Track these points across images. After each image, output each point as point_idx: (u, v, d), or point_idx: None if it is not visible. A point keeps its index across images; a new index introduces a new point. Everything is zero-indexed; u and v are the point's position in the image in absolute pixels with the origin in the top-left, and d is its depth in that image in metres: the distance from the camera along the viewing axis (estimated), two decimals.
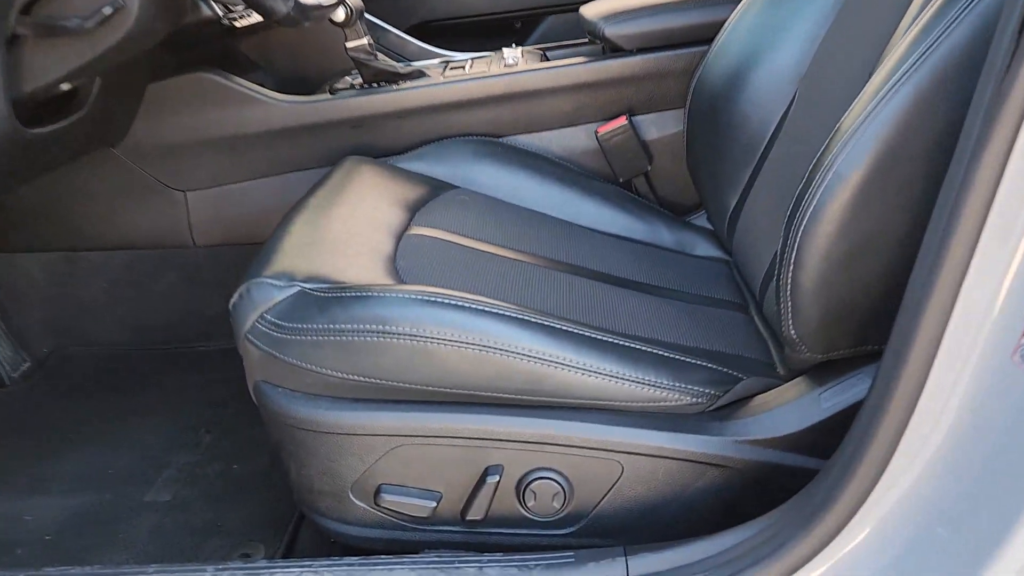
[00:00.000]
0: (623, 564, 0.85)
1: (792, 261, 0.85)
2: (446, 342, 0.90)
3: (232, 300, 1.00)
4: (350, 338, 0.91)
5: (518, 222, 1.31)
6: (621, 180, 1.47)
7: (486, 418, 0.92)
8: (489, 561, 0.87)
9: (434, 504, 0.94)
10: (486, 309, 0.93)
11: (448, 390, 0.92)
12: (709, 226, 1.43)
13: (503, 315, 0.93)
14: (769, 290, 1.08)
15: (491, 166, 1.43)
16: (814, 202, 0.83)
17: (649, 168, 1.46)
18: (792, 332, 0.88)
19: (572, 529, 0.95)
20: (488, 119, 1.47)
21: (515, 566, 0.86)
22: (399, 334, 0.90)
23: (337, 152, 1.48)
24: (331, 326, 0.92)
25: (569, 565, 0.86)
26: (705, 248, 1.40)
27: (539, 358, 0.91)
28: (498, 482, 0.93)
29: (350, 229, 1.14)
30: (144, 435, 1.36)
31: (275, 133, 1.46)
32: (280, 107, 1.46)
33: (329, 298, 0.95)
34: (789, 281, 0.86)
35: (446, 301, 0.93)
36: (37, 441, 1.36)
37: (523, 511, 0.95)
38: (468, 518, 0.94)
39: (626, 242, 1.37)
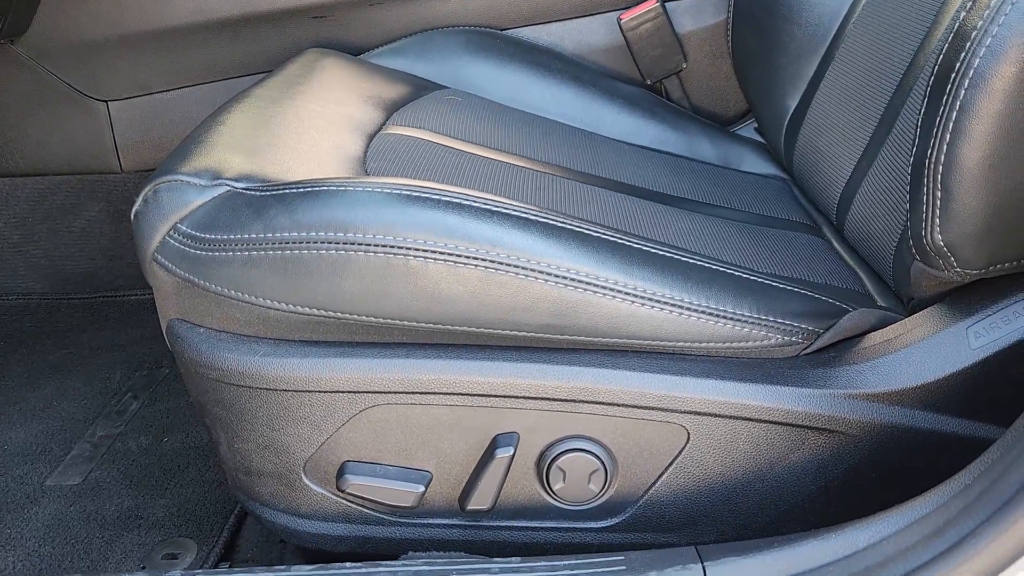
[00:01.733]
0: (699, 572, 0.58)
1: (945, 140, 0.58)
2: (435, 255, 0.62)
3: (134, 208, 0.72)
4: (297, 252, 0.63)
5: (524, 127, 1.03)
6: (650, 82, 1.18)
7: (495, 366, 0.64)
8: (503, 571, 0.60)
9: (421, 488, 0.66)
10: (493, 208, 0.65)
11: (439, 327, 0.64)
12: (759, 138, 1.16)
13: (518, 217, 0.65)
14: (853, 208, 0.81)
15: (488, 63, 1.14)
16: (974, 65, 0.56)
17: (684, 66, 1.18)
18: (939, 239, 0.60)
19: (615, 521, 0.68)
20: (484, 6, 1.17)
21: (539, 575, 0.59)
22: (367, 244, 0.62)
23: (293, 51, 1.19)
24: (270, 235, 0.64)
25: (619, 574, 0.59)
26: (755, 163, 1.12)
27: (570, 279, 0.63)
28: (512, 456, 0.65)
29: (306, 124, 0.85)
30: (54, 403, 1.07)
31: (214, 25, 1.16)
32: None
33: (267, 197, 0.67)
34: (940, 166, 0.59)
35: (435, 197, 0.65)
36: None
37: (547, 496, 0.67)
38: (469, 507, 0.67)
39: (659, 155, 1.09)
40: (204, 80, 1.23)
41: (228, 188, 0.69)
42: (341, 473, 0.67)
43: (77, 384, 1.12)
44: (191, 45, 1.19)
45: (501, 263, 0.63)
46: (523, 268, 0.63)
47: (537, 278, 0.63)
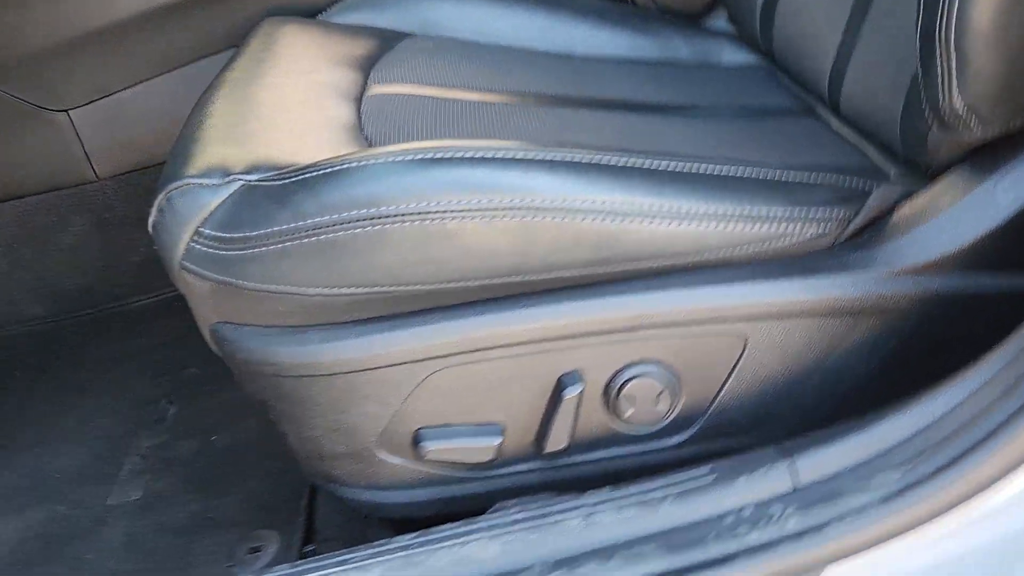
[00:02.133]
0: (786, 471, 0.60)
1: (955, 5, 0.58)
2: (470, 213, 0.62)
3: (151, 220, 0.71)
4: (331, 235, 0.63)
5: (503, 62, 1.01)
6: None
7: (548, 310, 0.65)
8: (598, 503, 0.62)
9: (497, 440, 0.68)
10: (516, 157, 0.65)
11: (486, 282, 0.64)
12: (730, 28, 1.15)
13: (543, 160, 0.65)
14: (846, 84, 0.82)
15: (447, 2, 1.12)
16: None
17: None
18: (958, 103, 0.61)
19: (685, 436, 0.70)
20: None
21: (635, 504, 0.61)
22: (400, 215, 0.62)
23: (246, 24, 1.16)
24: (300, 223, 0.63)
25: (710, 488, 0.61)
26: (732, 55, 1.11)
27: (607, 211, 0.63)
28: (581, 393, 0.67)
29: (289, 100, 0.83)
30: (91, 422, 1.07)
31: (160, 11, 1.12)
32: None
33: (287, 185, 0.66)
34: (952, 31, 0.59)
35: (458, 156, 0.64)
36: None
37: (619, 425, 0.69)
38: (547, 450, 0.69)
39: (638, 65, 1.08)
40: (163, 70, 1.19)
41: (242, 183, 0.68)
42: (416, 441, 0.68)
43: (107, 400, 1.11)
44: (142, 37, 1.15)
45: (537, 208, 0.63)
46: (560, 209, 0.63)
47: (575, 217, 0.63)
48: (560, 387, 0.67)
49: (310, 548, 0.82)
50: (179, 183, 0.69)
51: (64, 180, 1.23)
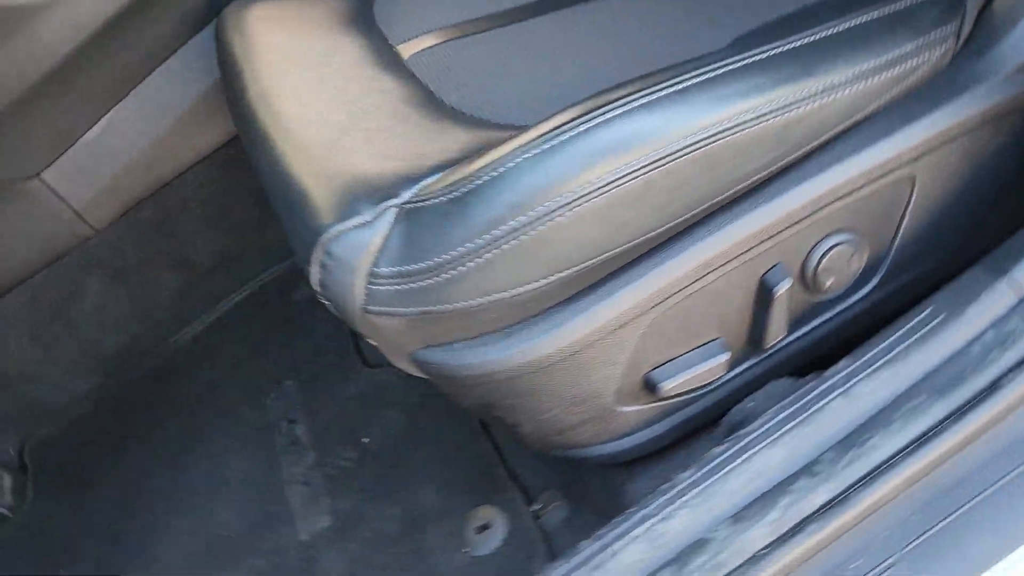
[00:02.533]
0: (1005, 285, 0.65)
1: None
2: (653, 165, 0.61)
3: (314, 277, 0.67)
4: (530, 233, 0.62)
5: None
6: None
7: (741, 221, 0.66)
8: (846, 377, 0.65)
9: (725, 356, 0.70)
10: (665, 91, 0.63)
11: (678, 220, 0.65)
12: None
13: (686, 87, 0.63)
14: None
15: None
16: None
17: None
18: None
19: (874, 283, 0.74)
20: None
21: (883, 366, 0.65)
22: (587, 194, 0.60)
23: (198, 18, 1.06)
24: (497, 232, 0.61)
25: (942, 327, 0.65)
26: None
27: (774, 109, 0.63)
28: (789, 287, 0.69)
29: (341, 97, 0.78)
30: (225, 468, 1.05)
31: (94, 38, 1.00)
32: None
33: (457, 198, 0.63)
34: None
35: (610, 115, 0.62)
36: (106, 551, 1.05)
37: (818, 297, 0.72)
38: (766, 346, 0.72)
39: None
40: (119, 97, 1.08)
41: (394, 209, 0.65)
42: (650, 384, 0.70)
43: (225, 442, 1.09)
44: (85, 72, 1.03)
45: (709, 137, 0.62)
46: (728, 129, 0.62)
47: (743, 128, 0.63)
48: (767, 285, 0.69)
49: (536, 507, 0.85)
50: (328, 234, 0.65)
51: (64, 245, 1.14)
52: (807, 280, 0.70)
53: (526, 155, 0.62)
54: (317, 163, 0.71)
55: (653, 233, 0.64)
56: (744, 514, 0.63)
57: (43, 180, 1.09)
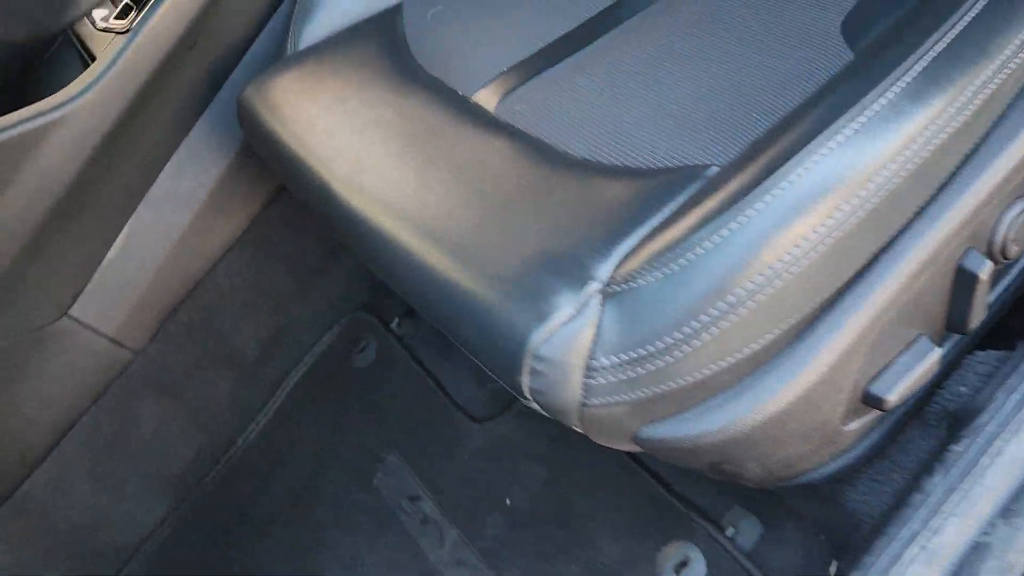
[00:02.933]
0: None
1: None
2: (879, 189, 0.57)
3: (525, 387, 0.61)
4: (762, 294, 0.57)
5: None
6: None
7: (942, 220, 0.62)
8: None
9: (938, 351, 0.68)
10: (871, 114, 0.59)
11: (897, 233, 0.61)
12: None
13: (894, 96, 0.59)
14: None
15: None
16: None
17: None
18: None
19: None
20: None
21: None
22: (823, 234, 0.56)
23: (193, 106, 0.95)
24: (719, 306, 0.56)
25: None
26: None
27: (964, 102, 0.60)
28: (990, 268, 0.67)
29: (442, 165, 0.71)
30: (367, 567, 0.99)
31: (98, 148, 0.89)
32: (78, 112, 0.87)
33: (672, 276, 0.58)
34: None
35: (803, 170, 0.57)
36: None
37: (1004, 264, 0.71)
38: (970, 327, 0.70)
39: None
40: (136, 203, 0.97)
41: (598, 294, 0.60)
42: (875, 400, 0.67)
43: (348, 550, 1.02)
44: (98, 184, 0.92)
45: (922, 145, 0.58)
46: (933, 133, 0.59)
47: (948, 126, 0.59)
48: (967, 272, 0.67)
49: (731, 532, 0.83)
50: (534, 340, 0.59)
51: (106, 376, 1.03)
52: (995, 254, 0.69)
53: (739, 218, 0.57)
54: (478, 260, 0.64)
55: (876, 253, 0.61)
56: (1015, 508, 0.62)
57: (71, 317, 0.98)
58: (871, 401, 0.68)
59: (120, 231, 0.97)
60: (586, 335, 0.59)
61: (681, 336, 0.58)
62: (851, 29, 0.71)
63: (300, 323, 1.14)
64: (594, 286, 0.60)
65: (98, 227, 0.95)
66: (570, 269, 0.61)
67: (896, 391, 0.67)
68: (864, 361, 0.65)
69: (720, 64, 0.72)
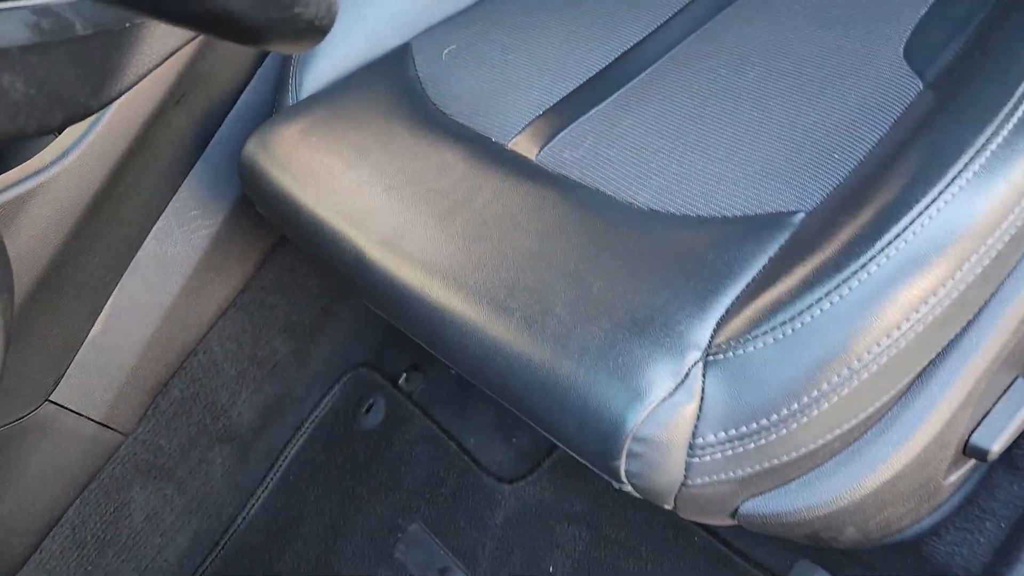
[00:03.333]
0: None
1: None
2: (1007, 228, 0.52)
3: (621, 472, 0.55)
4: (881, 359, 0.52)
5: (588, 16, 0.82)
6: None
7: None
8: None
9: None
10: (971, 172, 0.54)
11: (1013, 265, 0.57)
12: None
13: (990, 155, 0.55)
14: None
15: None
16: None
17: None
18: None
19: None
20: None
21: None
22: (941, 292, 0.52)
23: (180, 168, 0.86)
24: (841, 374, 0.50)
25: None
26: None
27: None
28: None
29: (493, 223, 0.65)
30: None
31: (81, 218, 0.80)
32: (56, 180, 0.78)
33: (783, 342, 0.52)
34: None
35: (933, 205, 0.53)
36: None
37: None
38: None
39: None
40: (120, 275, 0.88)
41: (701, 359, 0.54)
42: (978, 451, 0.63)
43: None
44: (79, 256, 0.83)
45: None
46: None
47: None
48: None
49: None
50: (633, 422, 0.53)
51: (94, 463, 0.93)
52: None
53: (860, 274, 0.52)
54: (555, 331, 0.57)
55: (988, 298, 0.57)
56: None
57: (53, 402, 0.88)
58: (973, 452, 0.64)
59: (104, 305, 0.88)
60: (689, 410, 0.54)
61: (797, 407, 0.52)
62: (915, 56, 0.67)
63: (300, 387, 1.06)
64: (694, 355, 0.54)
65: (80, 303, 0.85)
66: (664, 336, 0.55)
67: (1000, 440, 0.63)
68: (968, 415, 0.61)
69: (781, 98, 0.67)
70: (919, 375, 0.57)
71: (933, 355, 0.55)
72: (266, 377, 1.03)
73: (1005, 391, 0.64)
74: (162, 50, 0.43)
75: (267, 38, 0.32)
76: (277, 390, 1.04)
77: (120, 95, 0.42)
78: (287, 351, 1.03)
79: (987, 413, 0.64)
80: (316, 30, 0.33)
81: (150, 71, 0.43)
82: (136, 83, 0.44)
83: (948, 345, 0.57)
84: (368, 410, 1.06)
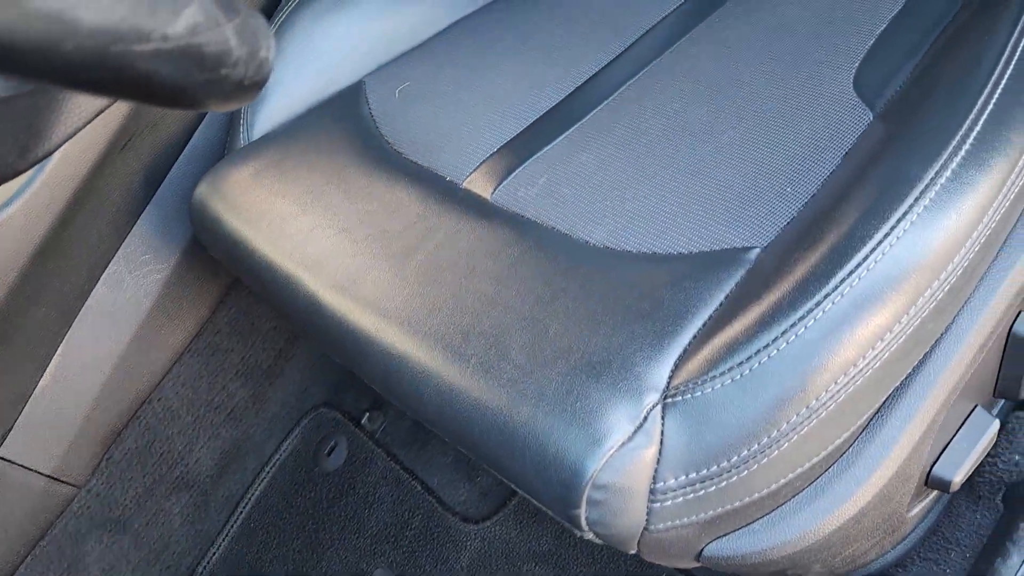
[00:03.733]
0: None
1: None
2: (960, 260, 0.52)
3: (582, 521, 0.54)
4: (841, 395, 0.51)
5: (543, 53, 0.82)
6: None
7: (1002, 289, 0.59)
8: None
9: (996, 421, 0.64)
10: (938, 195, 0.55)
11: (968, 294, 0.57)
12: None
13: (939, 189, 0.55)
14: None
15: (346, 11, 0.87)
16: None
17: None
18: None
19: None
20: None
21: None
22: (904, 322, 0.51)
23: (129, 211, 0.84)
24: (801, 412, 0.50)
25: None
26: None
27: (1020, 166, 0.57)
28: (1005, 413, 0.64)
29: (448, 266, 0.64)
30: None
31: (27, 265, 0.78)
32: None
33: (743, 382, 0.52)
34: None
35: (867, 259, 0.53)
36: None
37: None
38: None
39: None
40: (70, 323, 0.85)
41: (656, 409, 0.53)
42: (940, 482, 0.62)
43: None
44: (26, 305, 0.80)
45: (991, 216, 0.54)
46: (1001, 199, 0.55)
47: (1007, 196, 0.55)
48: (1019, 338, 0.63)
49: None
50: (592, 469, 0.52)
51: (46, 518, 0.90)
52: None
53: (815, 312, 0.51)
54: (511, 376, 0.56)
55: (944, 330, 0.57)
56: None
57: (1, 458, 0.85)
58: (936, 484, 0.63)
59: (53, 355, 0.85)
60: (649, 455, 0.53)
61: (757, 447, 0.52)
62: (864, 86, 0.67)
63: (259, 431, 1.04)
64: (652, 397, 0.53)
65: (28, 354, 0.83)
66: (621, 378, 0.54)
67: (961, 470, 0.63)
68: (930, 446, 0.61)
69: (734, 132, 0.67)
70: (878, 410, 0.56)
71: (892, 390, 0.55)
72: (224, 422, 1.00)
73: (964, 421, 0.64)
74: (91, 108, 0.42)
75: (194, 102, 0.30)
76: (235, 435, 1.02)
77: (50, 154, 0.41)
78: (245, 395, 1.01)
79: (948, 444, 0.64)
80: (247, 89, 0.32)
81: (80, 129, 0.42)
82: (67, 141, 0.43)
83: (906, 379, 0.57)
84: (330, 452, 1.04)
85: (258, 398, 1.03)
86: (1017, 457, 0.67)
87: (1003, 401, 0.69)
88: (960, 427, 0.64)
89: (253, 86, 0.33)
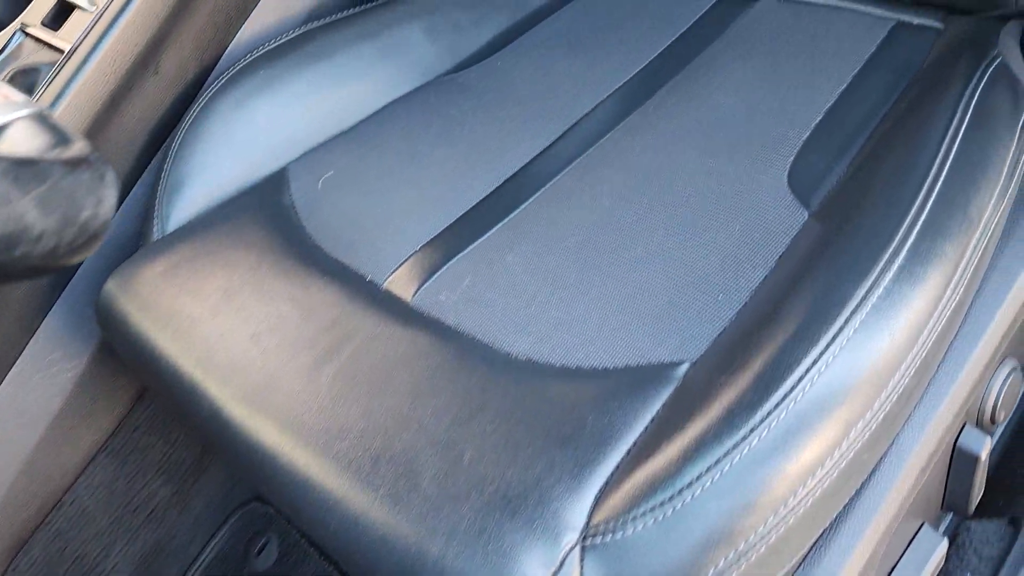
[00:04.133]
0: None
1: None
2: (897, 381, 0.49)
3: None
4: (770, 540, 0.48)
5: (457, 151, 0.79)
6: None
7: (946, 402, 0.56)
8: None
9: (944, 540, 0.60)
10: (871, 315, 0.51)
11: (907, 415, 0.54)
12: None
13: (879, 298, 0.52)
14: None
15: (278, 96, 0.83)
16: None
17: None
18: None
19: None
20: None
21: None
22: (844, 448, 0.48)
23: (37, 306, 0.79)
24: (727, 555, 0.46)
25: None
26: None
27: (960, 272, 0.54)
28: (988, 445, 0.60)
29: (361, 375, 0.60)
30: None
31: None
32: None
33: (667, 522, 0.47)
34: None
35: (800, 382, 0.49)
36: None
37: (993, 428, 0.64)
38: (972, 511, 0.63)
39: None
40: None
41: (578, 544, 0.48)
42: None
43: None
44: None
45: (928, 334, 0.51)
46: (936, 319, 0.52)
47: (950, 303, 0.52)
48: (965, 452, 0.60)
49: None
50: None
51: None
52: (984, 423, 0.62)
53: (741, 445, 0.47)
54: (421, 507, 0.52)
55: (882, 456, 0.53)
56: None
57: None
58: None
59: None
60: None
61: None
62: (798, 183, 0.64)
63: (182, 532, 0.97)
64: (570, 538, 0.49)
65: None
66: (538, 516, 0.50)
67: None
68: (876, 571, 0.57)
69: (665, 232, 0.64)
70: (816, 543, 0.53)
71: (827, 525, 0.51)
72: (143, 524, 0.94)
73: (910, 542, 0.61)
74: None
75: (7, 279, 0.26)
76: (157, 537, 0.95)
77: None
78: (166, 493, 0.95)
79: (894, 567, 0.60)
80: (68, 255, 0.28)
81: None
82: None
83: (844, 510, 0.53)
84: (260, 551, 0.98)
85: (181, 496, 0.97)
86: (974, 564, 0.64)
87: (951, 514, 0.66)
88: (906, 550, 0.60)
89: (80, 249, 0.29)
